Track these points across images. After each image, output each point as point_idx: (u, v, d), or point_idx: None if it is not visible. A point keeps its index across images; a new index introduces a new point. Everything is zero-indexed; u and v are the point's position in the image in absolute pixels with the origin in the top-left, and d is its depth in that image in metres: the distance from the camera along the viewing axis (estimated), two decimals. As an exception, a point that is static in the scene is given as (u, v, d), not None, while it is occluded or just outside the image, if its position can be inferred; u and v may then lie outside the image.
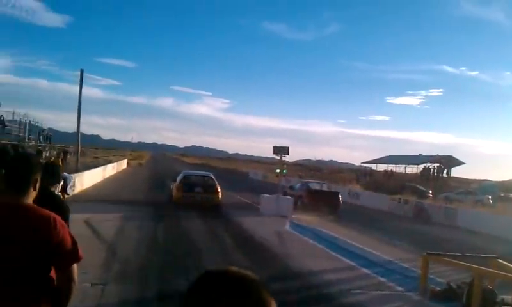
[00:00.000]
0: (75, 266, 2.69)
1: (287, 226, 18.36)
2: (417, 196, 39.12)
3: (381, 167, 72.14)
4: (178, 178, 23.10)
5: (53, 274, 2.66)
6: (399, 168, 70.36)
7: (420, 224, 25.17)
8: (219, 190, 22.57)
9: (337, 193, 28.11)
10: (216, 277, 1.05)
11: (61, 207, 4.44)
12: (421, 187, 46.72)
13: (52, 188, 4.83)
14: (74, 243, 2.69)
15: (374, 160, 77.82)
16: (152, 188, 32.05)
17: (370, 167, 73.31)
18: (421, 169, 66.26)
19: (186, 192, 21.80)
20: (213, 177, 24.14)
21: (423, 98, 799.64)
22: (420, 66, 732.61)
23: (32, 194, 2.69)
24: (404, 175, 65.80)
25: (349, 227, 19.95)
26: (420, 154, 73.43)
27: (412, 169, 69.18)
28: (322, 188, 28.99)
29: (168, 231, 15.41)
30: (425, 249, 11.62)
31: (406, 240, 17.65)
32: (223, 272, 1.06)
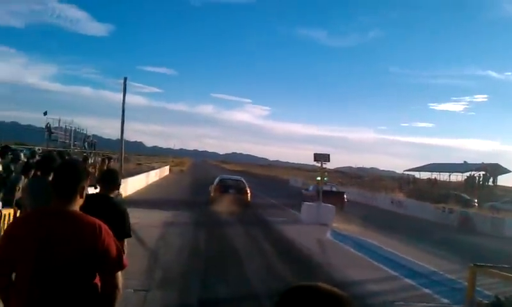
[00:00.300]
0: (119, 273, 2.74)
1: (328, 235, 18.17)
2: (462, 205, 37.99)
3: (425, 175, 70.71)
4: (215, 181, 26.89)
5: (97, 280, 2.71)
6: (443, 176, 68.68)
7: (465, 234, 24.44)
8: (248, 191, 25.97)
9: (342, 193, 32.77)
10: (308, 292, 1.03)
11: (120, 212, 4.58)
12: (466, 196, 45.36)
13: (111, 194, 4.98)
14: (119, 251, 2.74)
15: (417, 167, 76.37)
16: (194, 194, 32.33)
17: (413, 175, 71.89)
18: (466, 177, 64.49)
19: (222, 192, 25.29)
20: (244, 181, 27.77)
21: (467, 104, 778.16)
22: (465, 71, 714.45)
23: (79, 202, 2.75)
24: (448, 183, 64.10)
25: (392, 236, 19.54)
26: (464, 162, 71.62)
27: (456, 177, 67.49)
28: (332, 189, 32.13)
29: (209, 237, 15.49)
30: (472, 259, 11.25)
31: (451, 251, 17.19)
32: (315, 287, 1.05)
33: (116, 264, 2.71)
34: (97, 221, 2.68)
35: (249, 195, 25.92)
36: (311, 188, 33.33)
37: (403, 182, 65.55)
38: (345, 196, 31.95)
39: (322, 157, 22.83)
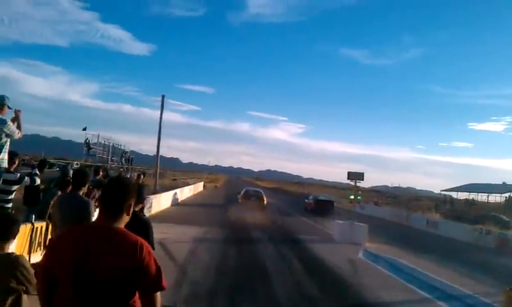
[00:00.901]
0: (158, 294, 2.69)
1: (361, 254, 17.84)
2: (500, 227, 36.70)
3: (462, 196, 68.90)
4: (242, 192, 37.69)
5: (136, 299, 2.69)
6: (481, 197, 66.80)
7: (503, 257, 23.51)
8: (264, 199, 35.92)
9: (332, 202, 42.39)
10: None
11: (144, 225, 4.61)
12: (505, 217, 43.82)
13: (136, 208, 5.01)
14: (159, 271, 2.70)
15: (455, 187, 74.59)
16: (225, 210, 32.41)
17: (450, 195, 70.13)
18: (505, 198, 62.57)
19: (246, 199, 35.44)
20: (262, 191, 38.65)
21: (507, 124, 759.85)
22: (504, 90, 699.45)
23: (125, 219, 2.77)
24: (487, 204, 62.33)
25: (427, 257, 19.02)
26: (503, 182, 69.69)
27: (495, 198, 65.52)
28: (325, 199, 43.31)
29: (238, 254, 15.44)
30: (508, 283, 10.85)
31: (487, 274, 16.63)
32: None
33: (156, 284, 2.67)
34: (139, 239, 2.68)
35: (265, 201, 35.70)
36: (311, 197, 44.59)
37: (439, 202, 64.05)
38: (334, 203, 41.93)
39: (355, 176, 22.57)
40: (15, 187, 8.30)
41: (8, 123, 7.46)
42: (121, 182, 2.91)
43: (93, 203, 5.95)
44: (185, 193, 42.90)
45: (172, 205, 30.62)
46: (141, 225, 4.48)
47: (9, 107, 7.61)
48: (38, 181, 8.92)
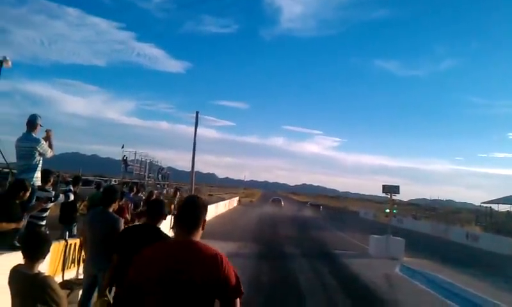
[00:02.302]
0: (238, 300, 2.86)
1: (397, 269, 17.45)
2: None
3: (503, 208, 66.50)
4: (271, 198, 75.33)
5: None
6: (524, 209, 64.32)
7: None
8: (282, 203, 69.58)
9: (319, 205, 78.53)
10: None
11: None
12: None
13: (158, 224, 5.03)
14: (237, 278, 2.86)
15: (495, 199, 71.98)
16: (260, 226, 32.35)
17: (491, 207, 67.83)
18: (548, 210, 60.03)
19: (272, 202, 69.88)
20: (281, 199, 77.68)
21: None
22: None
23: (200, 233, 2.96)
24: (529, 217, 59.96)
25: (466, 272, 18.46)
26: (545, 193, 66.78)
27: (536, 210, 62.90)
28: (314, 204, 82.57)
29: (272, 269, 15.33)
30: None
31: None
32: None
33: (236, 291, 2.83)
34: (218, 252, 2.85)
35: (282, 203, 68.44)
36: (308, 203, 74.04)
37: (479, 215, 62.11)
38: (320, 207, 67.76)
39: (391, 189, 22.15)
40: (49, 205, 8.47)
41: (41, 142, 7.65)
42: (195, 200, 3.10)
43: (122, 221, 6.02)
44: (221, 208, 43.06)
45: (207, 220, 30.71)
46: None
47: (41, 125, 7.80)
48: (72, 197, 9.10)
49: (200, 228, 2.96)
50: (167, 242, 3.05)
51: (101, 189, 12.27)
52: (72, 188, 9.62)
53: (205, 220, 3.00)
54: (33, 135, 7.64)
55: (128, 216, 9.87)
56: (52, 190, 8.86)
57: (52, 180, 8.80)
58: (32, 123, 7.69)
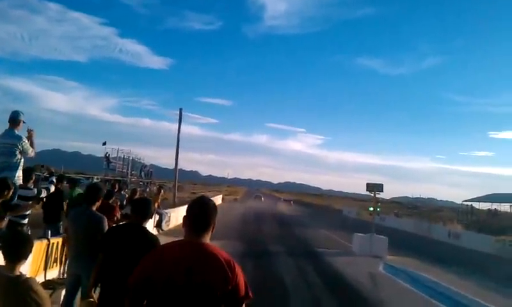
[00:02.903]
0: (244, 304, 2.86)
1: (381, 268, 17.52)
2: (525, 238, 35.87)
3: (484, 206, 67.49)
4: (254, 195, 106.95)
5: None
6: (504, 207, 65.39)
7: (528, 269, 22.94)
8: (263, 198, 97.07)
9: (290, 200, 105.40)
10: None
11: (151, 242, 4.53)
12: (529, 228, 42.87)
13: (144, 223, 4.93)
14: (246, 283, 2.86)
15: (477, 198, 73.07)
16: (244, 224, 32.30)
17: (472, 205, 68.78)
18: (529, 208, 61.13)
19: (254, 198, 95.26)
20: (261, 195, 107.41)
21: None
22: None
23: (209, 235, 2.92)
24: (510, 214, 60.94)
25: (449, 270, 18.63)
26: (527, 192, 67.93)
27: (518, 208, 64.01)
28: (288, 199, 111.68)
29: (256, 267, 15.24)
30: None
31: (511, 286, 16.20)
32: None
33: (245, 296, 2.83)
34: (230, 256, 2.85)
35: (263, 199, 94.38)
36: (282, 199, 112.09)
37: (461, 213, 62.92)
38: (292, 201, 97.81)
39: (375, 187, 22.26)
40: (30, 203, 8.30)
41: (23, 139, 7.49)
42: (206, 202, 3.04)
43: (106, 220, 5.91)
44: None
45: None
46: (147, 244, 4.40)
47: (24, 122, 7.64)
48: (52, 188, 8.91)
49: (210, 230, 2.92)
50: (178, 243, 2.94)
51: (76, 187, 12.07)
52: (54, 180, 9.42)
53: (215, 223, 2.96)
54: (15, 132, 7.48)
55: (118, 215, 9.71)
56: (34, 187, 8.68)
57: (33, 178, 8.63)
58: (14, 119, 7.54)
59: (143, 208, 4.99)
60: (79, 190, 11.48)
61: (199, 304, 2.66)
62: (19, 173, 7.60)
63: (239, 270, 2.81)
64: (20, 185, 7.76)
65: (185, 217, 2.94)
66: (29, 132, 7.71)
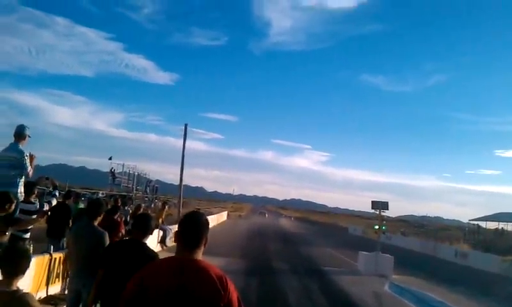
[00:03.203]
0: None
1: (386, 287, 17.34)
2: (531, 258, 35.39)
3: (491, 225, 66.81)
4: (259, 211, 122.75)
5: None
6: (511, 226, 64.65)
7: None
8: (267, 214, 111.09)
9: (291, 217, 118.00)
10: None
11: (151, 258, 4.49)
12: (535, 248, 42.29)
13: (144, 239, 4.90)
14: (239, 300, 2.79)
15: (483, 217, 72.39)
16: (248, 241, 32.12)
17: (478, 225, 68.12)
18: (536, 227, 60.40)
19: (259, 214, 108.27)
20: (265, 211, 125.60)
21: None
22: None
23: (202, 251, 2.84)
24: (517, 234, 60.22)
25: (455, 290, 18.37)
26: (533, 211, 67.21)
27: (526, 228, 63.24)
28: (289, 215, 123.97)
29: (260, 286, 15.12)
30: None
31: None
32: None
33: None
34: (222, 272, 2.78)
35: (266, 215, 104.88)
36: (283, 215, 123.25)
37: (468, 232, 62.31)
38: (292, 218, 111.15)
39: (380, 205, 22.09)
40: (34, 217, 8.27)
41: (26, 154, 7.48)
42: (197, 217, 3.00)
43: (107, 235, 5.87)
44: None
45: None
46: (147, 260, 4.35)
47: (29, 136, 7.65)
48: (54, 202, 8.87)
49: (202, 246, 2.86)
50: (170, 259, 2.88)
51: (70, 199, 12.00)
52: (57, 193, 9.36)
53: (207, 238, 2.89)
54: (19, 146, 7.48)
55: (123, 231, 9.66)
56: (37, 201, 8.65)
57: (36, 192, 8.59)
58: (20, 133, 7.55)
59: (143, 224, 4.97)
60: (81, 205, 11.46)
61: None
62: (21, 189, 7.58)
63: (231, 286, 2.74)
64: (23, 199, 7.74)
65: (176, 233, 2.89)
66: (31, 157, 7.66)
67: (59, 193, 10.58)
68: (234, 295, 2.74)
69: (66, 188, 14.83)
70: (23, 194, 7.72)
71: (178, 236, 2.87)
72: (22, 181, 7.60)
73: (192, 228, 2.85)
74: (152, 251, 4.91)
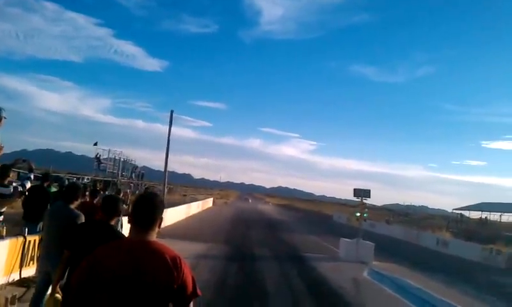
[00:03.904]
0: (192, 302, 2.77)
1: (366, 273, 17.50)
2: (512, 247, 35.91)
3: (475, 215, 67.69)
4: (244, 196, 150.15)
5: None
6: (494, 216, 65.56)
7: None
8: (250, 199, 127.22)
9: (269, 202, 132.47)
10: None
11: (116, 239, 4.48)
12: (516, 237, 42.88)
13: (112, 222, 4.89)
14: (194, 280, 2.78)
15: (467, 206, 73.32)
16: (231, 227, 32.21)
17: (461, 214, 68.89)
18: (518, 217, 61.25)
19: (244, 198, 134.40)
20: (249, 197, 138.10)
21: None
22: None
23: (156, 232, 2.80)
24: (500, 224, 61.10)
25: (435, 278, 18.62)
26: (517, 201, 68.21)
27: (508, 218, 64.12)
28: (267, 201, 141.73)
29: (240, 271, 15.20)
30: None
31: (495, 294, 16.28)
32: None
33: (192, 294, 2.75)
34: (176, 253, 2.74)
35: (250, 200, 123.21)
36: (264, 201, 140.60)
37: (451, 221, 62.99)
38: (270, 203, 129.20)
39: (362, 193, 22.28)
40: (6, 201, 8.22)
41: None
42: (150, 198, 2.94)
43: (83, 216, 5.85)
44: (193, 209, 42.74)
45: (178, 221, 30.43)
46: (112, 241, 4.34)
47: (5, 118, 7.50)
48: (28, 184, 8.79)
49: (156, 227, 2.80)
50: (122, 241, 2.89)
51: (47, 182, 11.86)
52: (31, 176, 9.26)
53: (161, 218, 2.85)
54: None
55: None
56: (11, 184, 8.57)
57: (10, 175, 8.51)
58: None
59: (109, 205, 4.95)
60: (53, 189, 11.35)
61: (145, 303, 2.57)
62: None
63: (186, 267, 2.72)
64: (-3, 181, 7.67)
65: (130, 214, 2.83)
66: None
67: (36, 177, 10.51)
68: (189, 275, 2.73)
69: (46, 171, 14.61)
70: None
71: (131, 217, 2.81)
72: None
73: (146, 209, 2.80)
74: (119, 232, 4.91)
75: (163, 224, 4.93)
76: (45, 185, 11.20)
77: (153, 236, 2.77)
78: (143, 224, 2.75)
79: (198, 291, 2.78)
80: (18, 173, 11.74)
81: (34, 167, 9.58)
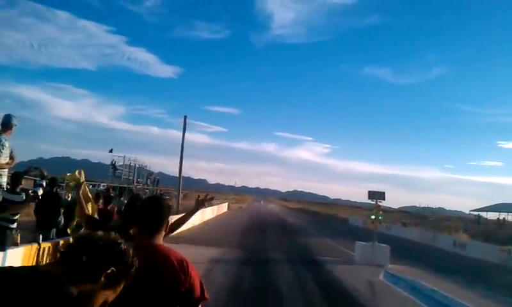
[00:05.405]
0: (200, 305, 2.83)
1: (381, 276, 17.36)
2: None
3: (492, 216, 66.87)
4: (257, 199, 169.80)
5: None
6: (512, 217, 64.70)
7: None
8: (262, 201, 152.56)
9: (260, 200, 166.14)
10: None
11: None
12: (535, 238, 42.18)
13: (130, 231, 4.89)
14: (201, 284, 2.81)
15: (485, 207, 72.55)
16: (246, 233, 32.16)
17: (479, 215, 68.09)
18: (537, 218, 60.43)
19: (258, 200, 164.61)
20: (261, 199, 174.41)
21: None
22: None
23: (162, 235, 2.85)
24: (518, 224, 60.26)
25: (451, 279, 18.40)
26: (535, 202, 67.27)
27: (527, 218, 63.34)
28: (277, 203, 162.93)
29: (254, 276, 15.19)
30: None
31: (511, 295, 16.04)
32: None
33: (200, 297, 2.78)
34: (184, 256, 2.80)
35: (262, 202, 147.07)
36: (274, 203, 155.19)
37: (468, 223, 62.27)
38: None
39: (376, 195, 22.11)
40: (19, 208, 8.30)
41: (3, 142, 7.32)
42: (157, 201, 2.97)
43: None
44: (208, 214, 42.78)
45: (193, 226, 30.46)
46: None
47: (15, 125, 7.53)
48: (40, 191, 8.87)
49: (163, 231, 2.82)
50: (131, 245, 2.90)
51: (56, 187, 11.80)
52: (43, 183, 9.33)
53: (168, 222, 2.87)
54: (4, 136, 7.42)
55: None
56: (22, 192, 8.66)
57: (22, 183, 8.60)
58: (6, 123, 7.46)
59: (129, 213, 4.96)
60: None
61: (153, 306, 2.59)
62: (4, 178, 7.56)
63: (193, 271, 2.74)
64: (8, 189, 7.74)
65: (136, 219, 2.86)
66: (11, 156, 7.52)
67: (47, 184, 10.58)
68: (196, 279, 2.75)
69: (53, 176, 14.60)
70: (4, 183, 7.69)
71: (137, 222, 2.84)
72: (5, 172, 7.56)
73: (152, 213, 2.81)
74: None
75: (178, 230, 5.02)
76: (54, 190, 11.28)
77: (160, 240, 2.79)
78: (149, 228, 2.78)
79: (206, 294, 2.80)
80: (35, 181, 11.83)
81: (46, 174, 9.69)
